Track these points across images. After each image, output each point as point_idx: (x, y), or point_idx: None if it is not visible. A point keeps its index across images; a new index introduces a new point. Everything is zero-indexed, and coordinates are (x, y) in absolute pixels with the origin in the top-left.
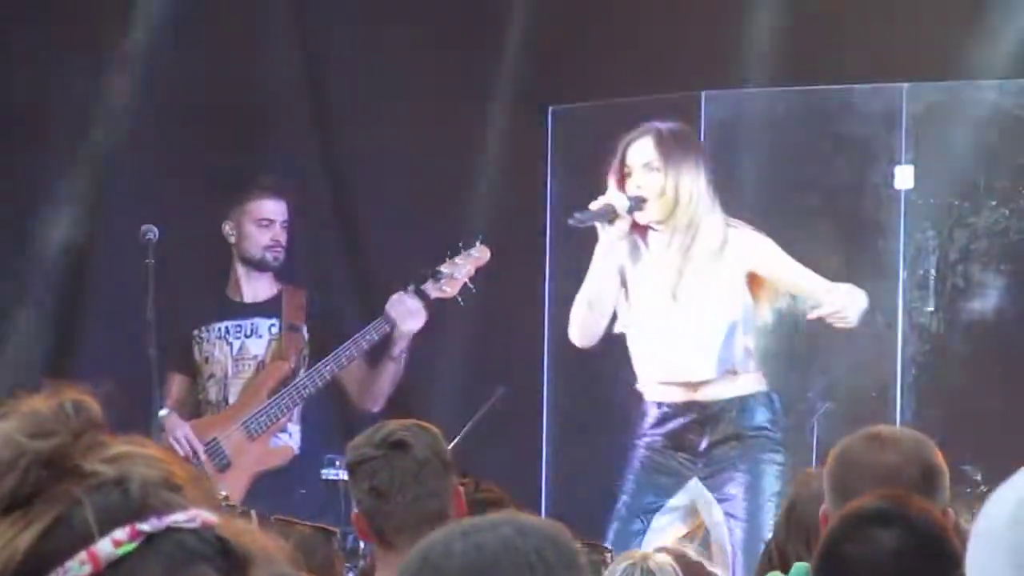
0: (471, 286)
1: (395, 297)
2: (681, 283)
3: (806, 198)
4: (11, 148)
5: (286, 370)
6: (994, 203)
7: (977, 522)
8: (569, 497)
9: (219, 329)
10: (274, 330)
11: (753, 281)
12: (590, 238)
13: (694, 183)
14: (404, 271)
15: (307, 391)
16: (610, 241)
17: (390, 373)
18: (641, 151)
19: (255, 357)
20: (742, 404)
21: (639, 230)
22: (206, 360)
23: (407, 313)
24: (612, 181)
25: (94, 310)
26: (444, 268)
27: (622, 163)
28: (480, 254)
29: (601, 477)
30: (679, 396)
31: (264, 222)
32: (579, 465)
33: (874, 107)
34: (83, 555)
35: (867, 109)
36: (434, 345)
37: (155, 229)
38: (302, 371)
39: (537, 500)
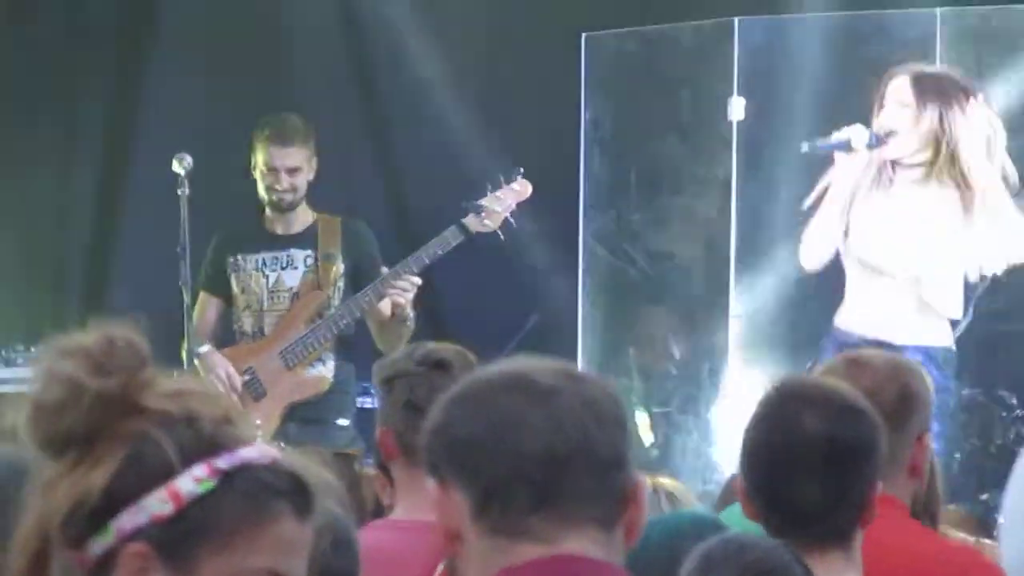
0: (512, 221)
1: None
2: (924, 221)
3: (842, 125)
4: (47, 79)
5: (322, 299)
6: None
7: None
8: None
9: (256, 260)
10: (309, 261)
11: None
12: (624, 161)
13: (954, 126)
14: (441, 200)
15: (343, 321)
16: (847, 170)
17: (404, 331)
18: (897, 88)
19: (290, 289)
20: (926, 355)
21: (889, 163)
22: (242, 290)
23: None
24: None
25: (130, 241)
26: (485, 202)
27: (881, 96)
28: (521, 187)
29: (636, 403)
30: (879, 332)
31: (269, 168)
32: None
33: (908, 33)
34: (163, 493)
35: (901, 35)
36: (469, 273)
37: (189, 157)
38: (337, 300)
39: None
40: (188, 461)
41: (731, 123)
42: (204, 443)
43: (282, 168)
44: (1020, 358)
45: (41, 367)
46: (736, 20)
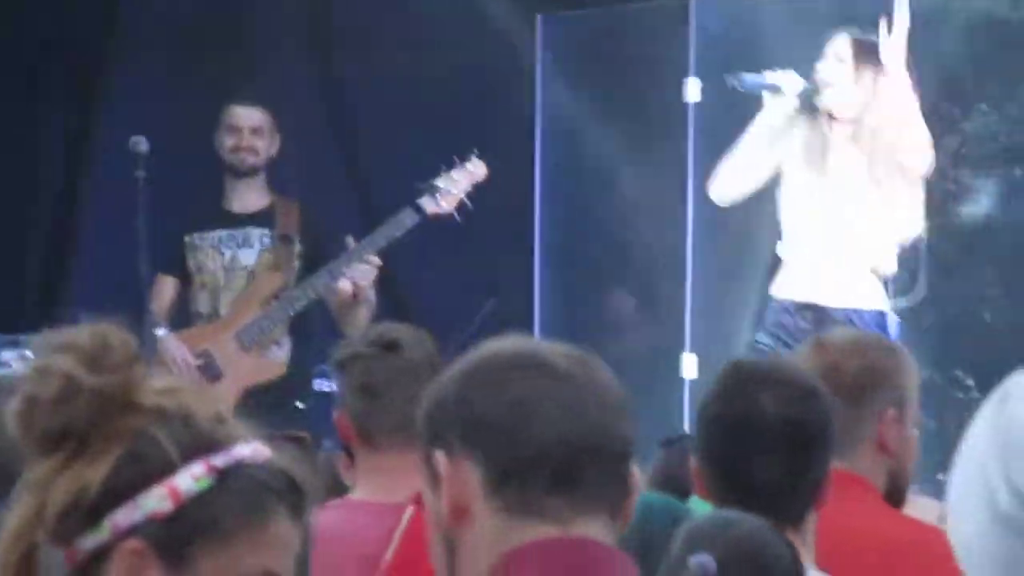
0: (467, 203)
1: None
2: (856, 179)
3: None
4: (5, 66)
5: (278, 281)
6: (985, 108)
7: (964, 440)
8: None
9: (213, 238)
10: (265, 240)
11: None
12: (579, 143)
13: (882, 92)
14: (398, 183)
15: (299, 303)
16: (773, 112)
17: (366, 313)
18: (837, 44)
19: (246, 267)
20: (859, 318)
21: (826, 117)
22: (198, 269)
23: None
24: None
25: (90, 226)
26: (440, 183)
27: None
28: (476, 168)
29: None
30: (810, 295)
31: (231, 128)
32: None
33: (868, 13)
34: (162, 490)
35: (862, 15)
36: (424, 257)
37: (145, 140)
38: (294, 282)
39: None
40: (186, 458)
41: (687, 104)
42: (200, 441)
43: (246, 127)
44: (975, 340)
45: (34, 362)
46: (693, 1)
